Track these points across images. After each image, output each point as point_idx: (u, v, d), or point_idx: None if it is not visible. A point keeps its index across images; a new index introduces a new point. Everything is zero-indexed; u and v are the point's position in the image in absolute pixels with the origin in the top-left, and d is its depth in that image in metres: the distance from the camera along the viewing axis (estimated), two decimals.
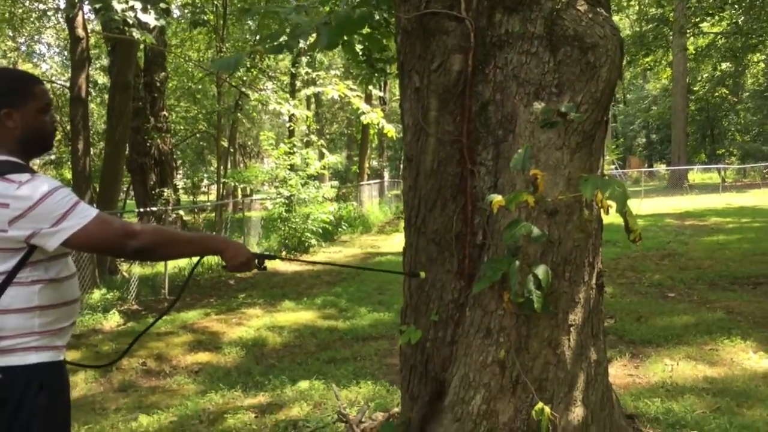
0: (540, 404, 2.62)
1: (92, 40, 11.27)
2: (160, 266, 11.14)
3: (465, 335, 3.00)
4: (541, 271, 2.59)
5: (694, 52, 26.19)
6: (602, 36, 2.76)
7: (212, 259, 12.04)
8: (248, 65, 16.24)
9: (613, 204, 2.39)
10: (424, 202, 3.07)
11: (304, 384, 5.34)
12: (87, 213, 2.01)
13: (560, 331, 2.87)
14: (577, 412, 2.90)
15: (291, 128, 18.98)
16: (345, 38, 3.38)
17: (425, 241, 3.10)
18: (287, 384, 5.40)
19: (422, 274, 3.01)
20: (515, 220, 2.68)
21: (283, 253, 13.81)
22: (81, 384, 5.68)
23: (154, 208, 12.23)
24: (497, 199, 2.55)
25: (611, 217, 2.68)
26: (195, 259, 2.47)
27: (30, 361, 2.00)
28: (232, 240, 2.35)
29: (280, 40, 2.96)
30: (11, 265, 1.98)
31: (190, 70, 19.33)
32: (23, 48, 20.48)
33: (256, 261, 2.35)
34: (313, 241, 14.56)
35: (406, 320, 3.21)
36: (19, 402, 1.97)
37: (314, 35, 3.03)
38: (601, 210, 3.02)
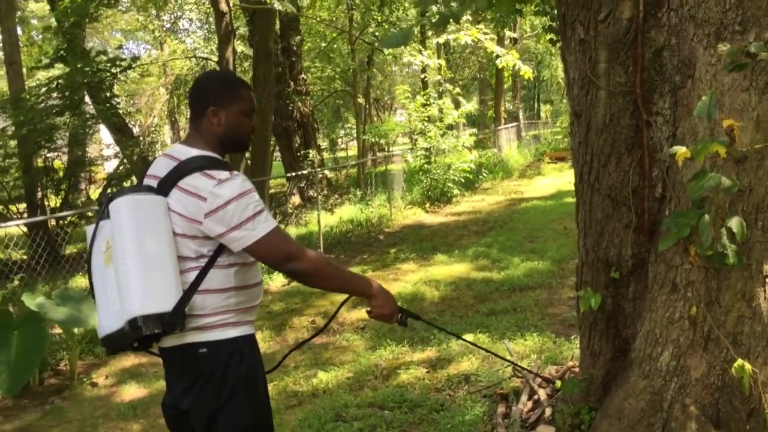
0: (739, 361, 2.52)
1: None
2: (313, 226, 11.59)
3: (648, 291, 2.92)
4: (735, 223, 2.46)
5: None
6: None
7: (361, 215, 12.38)
8: (379, 20, 16.31)
9: None
10: (597, 157, 2.99)
11: (468, 338, 5.42)
12: (266, 225, 2.09)
13: (755, 283, 2.72)
14: None
15: (425, 79, 18.87)
16: None
17: (600, 198, 3.02)
18: (452, 338, 5.51)
19: None
20: (701, 170, 2.54)
21: (427, 205, 13.94)
22: (259, 343, 6.07)
23: (304, 171, 12.68)
24: (682, 151, 2.42)
25: None
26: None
27: (230, 335, 2.18)
28: (385, 289, 2.36)
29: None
30: (211, 249, 2.12)
31: (322, 30, 19.61)
32: (167, 26, 21.62)
33: (399, 315, 2.36)
34: (456, 191, 14.56)
35: (583, 277, 3.17)
36: (224, 372, 2.14)
37: None
38: None
